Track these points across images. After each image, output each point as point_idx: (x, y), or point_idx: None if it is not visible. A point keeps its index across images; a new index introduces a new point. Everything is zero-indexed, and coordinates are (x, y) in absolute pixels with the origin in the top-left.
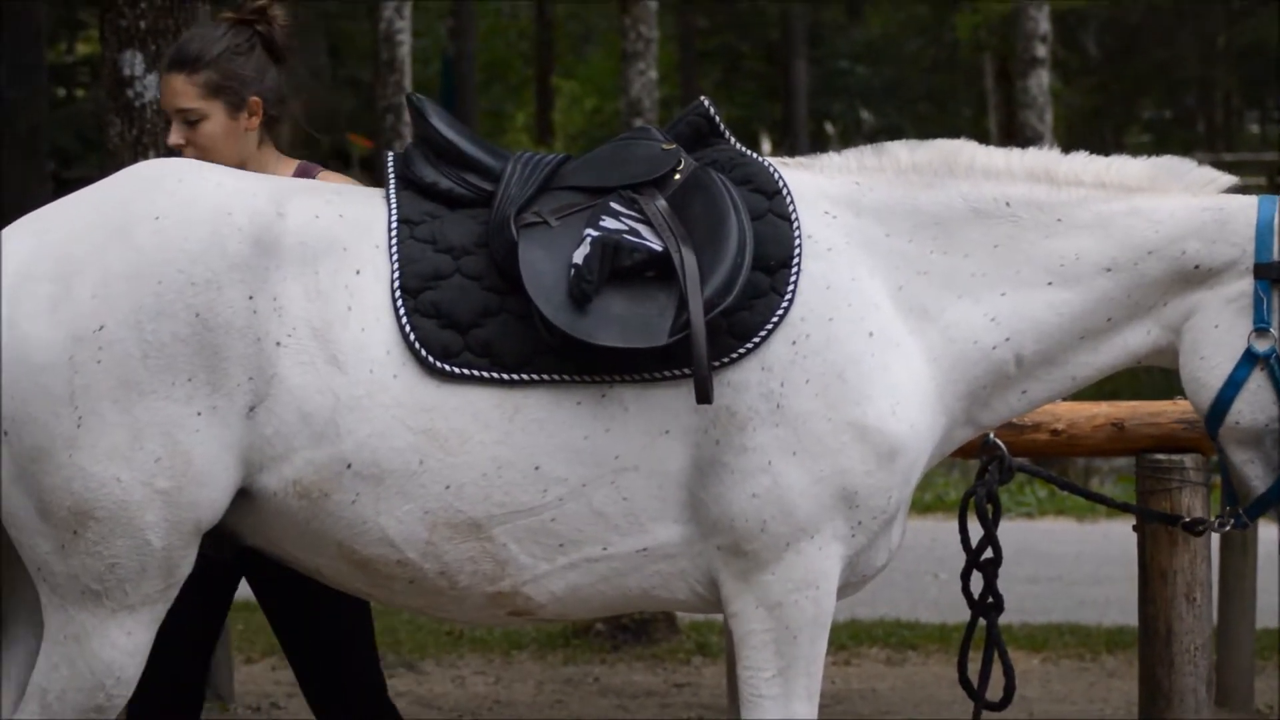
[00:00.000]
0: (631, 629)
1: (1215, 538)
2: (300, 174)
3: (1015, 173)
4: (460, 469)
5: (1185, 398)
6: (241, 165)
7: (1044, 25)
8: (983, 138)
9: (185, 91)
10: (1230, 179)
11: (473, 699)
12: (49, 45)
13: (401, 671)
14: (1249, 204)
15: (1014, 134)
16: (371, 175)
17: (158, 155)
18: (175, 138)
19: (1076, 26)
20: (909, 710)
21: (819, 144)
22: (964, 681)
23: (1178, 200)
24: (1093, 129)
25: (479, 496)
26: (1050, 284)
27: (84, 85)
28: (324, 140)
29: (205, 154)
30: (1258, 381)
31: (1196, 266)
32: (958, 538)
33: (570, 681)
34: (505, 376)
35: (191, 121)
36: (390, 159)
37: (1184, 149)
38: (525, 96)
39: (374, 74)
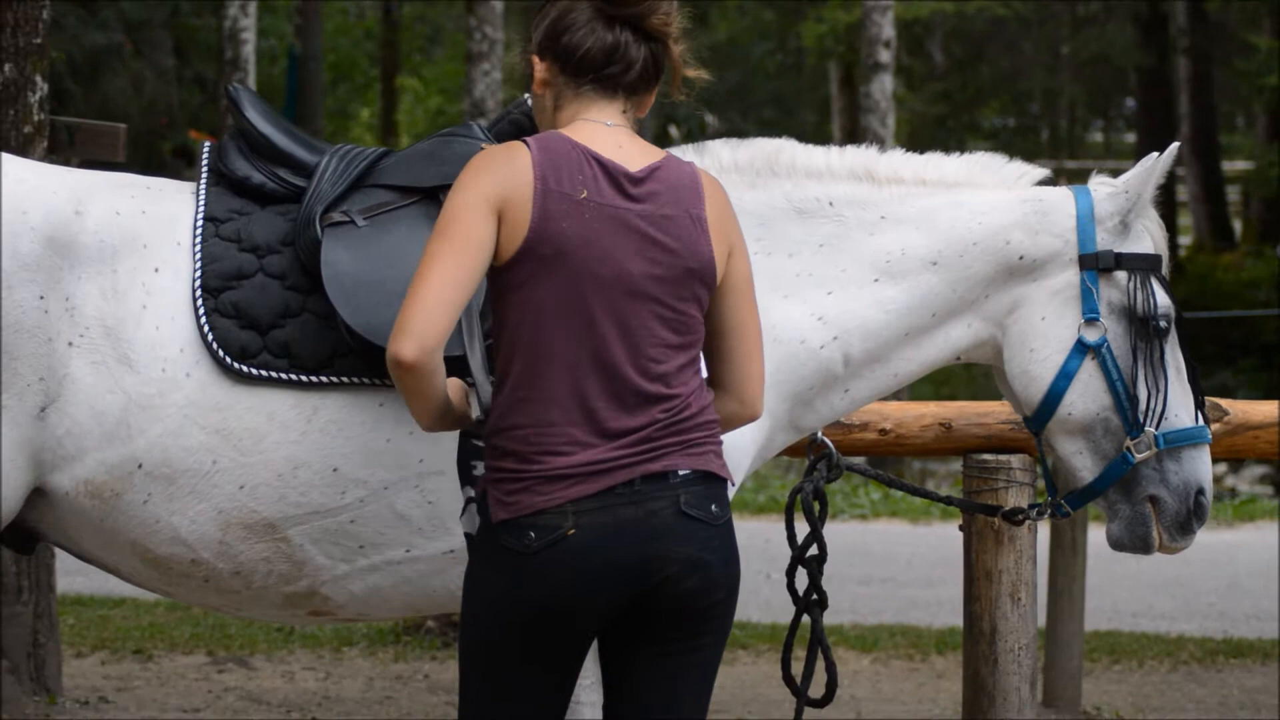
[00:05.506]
0: None
1: (1043, 539)
2: None
3: (836, 172)
4: (255, 469)
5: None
6: None
7: (888, 31)
8: (825, 142)
9: None
10: (1042, 172)
11: (302, 694)
12: None
13: (231, 667)
14: (1065, 195)
15: (857, 139)
16: None
17: None
18: None
19: (922, 34)
20: (739, 710)
21: (663, 146)
22: (787, 678)
23: (997, 194)
24: (936, 136)
25: (274, 497)
26: (877, 281)
27: None
28: (169, 136)
29: None
30: (1089, 371)
31: (1021, 257)
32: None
33: (400, 678)
34: (303, 378)
35: None
36: (205, 151)
37: (1027, 157)
38: (370, 96)
39: (218, 71)
